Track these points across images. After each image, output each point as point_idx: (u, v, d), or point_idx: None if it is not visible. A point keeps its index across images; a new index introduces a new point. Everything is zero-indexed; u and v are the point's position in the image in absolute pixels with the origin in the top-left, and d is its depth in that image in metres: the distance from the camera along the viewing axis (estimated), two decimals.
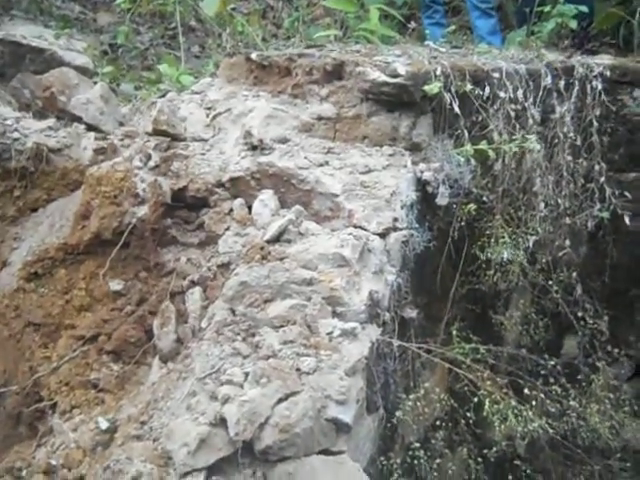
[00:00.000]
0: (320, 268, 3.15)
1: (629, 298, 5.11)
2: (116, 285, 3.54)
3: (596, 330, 4.54)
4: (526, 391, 3.42)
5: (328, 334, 2.99)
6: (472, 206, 3.60)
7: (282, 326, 3.02)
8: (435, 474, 3.42)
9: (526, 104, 4.18)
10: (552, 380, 3.71)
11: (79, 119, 4.22)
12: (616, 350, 4.94)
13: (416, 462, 3.45)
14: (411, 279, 3.57)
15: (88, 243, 3.66)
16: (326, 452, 2.76)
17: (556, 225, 4.44)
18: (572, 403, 3.55)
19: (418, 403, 3.49)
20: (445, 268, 3.78)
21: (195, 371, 2.90)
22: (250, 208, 3.62)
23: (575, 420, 3.59)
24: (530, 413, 3.16)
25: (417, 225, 3.55)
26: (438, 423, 3.89)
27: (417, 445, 3.43)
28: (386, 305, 3.29)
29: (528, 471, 4.01)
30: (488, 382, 3.28)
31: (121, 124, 4.30)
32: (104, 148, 3.98)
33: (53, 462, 2.95)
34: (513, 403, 3.18)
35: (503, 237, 3.64)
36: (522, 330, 4.15)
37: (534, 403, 3.31)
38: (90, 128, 4.19)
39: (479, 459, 4.02)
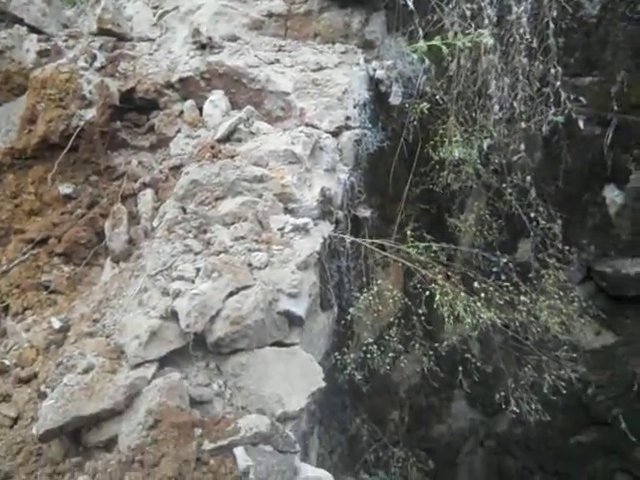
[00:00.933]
0: (271, 165, 3.12)
1: (582, 203, 5.19)
2: (66, 189, 3.47)
3: (549, 233, 4.60)
4: (476, 284, 3.48)
5: (280, 230, 2.99)
6: (425, 105, 3.57)
7: (233, 223, 3.01)
8: (388, 368, 3.50)
9: (482, 4, 4.11)
10: (504, 277, 3.78)
11: (20, 21, 4.04)
12: (569, 253, 5.06)
13: (369, 357, 3.52)
14: (365, 179, 3.57)
15: (36, 147, 3.57)
16: (279, 344, 2.79)
17: (511, 129, 4.44)
18: (522, 298, 3.63)
19: (372, 301, 3.54)
20: (399, 169, 3.78)
21: (147, 269, 2.88)
22: (201, 110, 3.55)
23: (525, 315, 3.68)
24: (479, 304, 3.22)
25: (370, 125, 3.52)
26: (392, 320, 3.96)
27: (371, 341, 3.49)
28: (339, 203, 3.29)
29: (478, 364, 4.13)
30: (439, 276, 3.32)
31: (65, 26, 4.13)
32: (48, 50, 3.83)
33: (7, 362, 2.95)
34: (463, 294, 3.24)
35: (455, 136, 3.63)
36: (477, 232, 4.19)
37: (483, 295, 3.37)
38: (32, 30, 4.02)
39: (432, 355, 4.14)
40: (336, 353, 3.32)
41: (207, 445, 2.43)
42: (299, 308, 2.82)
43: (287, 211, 3.06)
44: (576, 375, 5.36)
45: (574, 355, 4.13)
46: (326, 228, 3.13)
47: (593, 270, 5.26)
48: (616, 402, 5.53)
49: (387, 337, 3.81)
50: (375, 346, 3.49)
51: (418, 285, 3.49)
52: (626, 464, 5.71)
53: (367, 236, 3.50)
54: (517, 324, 3.77)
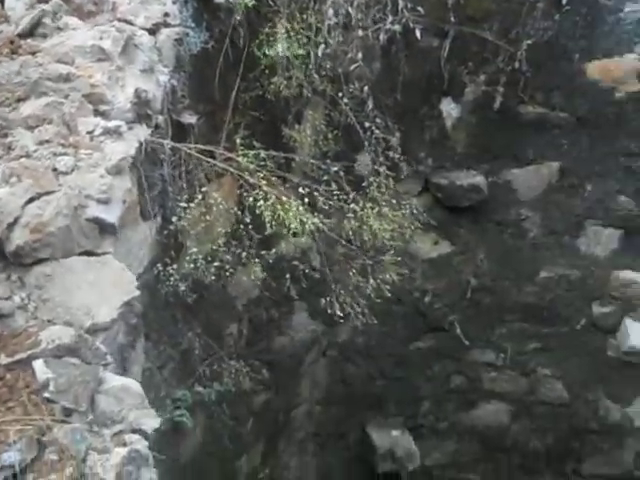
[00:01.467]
0: (78, 63, 2.88)
1: (420, 115, 5.24)
2: None
3: (387, 145, 4.62)
4: (300, 190, 3.43)
5: (89, 133, 2.78)
6: (252, 2, 3.40)
7: (37, 126, 2.77)
8: (214, 279, 3.43)
9: None
10: (335, 186, 3.75)
11: None
12: (406, 165, 5.13)
13: (198, 269, 3.42)
14: (189, 83, 3.39)
15: None
16: (89, 253, 2.63)
17: (347, 37, 4.37)
18: (353, 206, 3.63)
19: (201, 212, 3.42)
20: (226, 73, 3.61)
21: None
22: (3, 2, 3.20)
23: (355, 223, 3.69)
24: (301, 209, 3.18)
25: (193, 24, 3.32)
26: (226, 232, 3.87)
27: (196, 251, 3.39)
28: (158, 107, 3.11)
29: (317, 276, 4.15)
30: (263, 182, 3.24)
31: None
32: None
33: None
34: (285, 199, 3.19)
35: (283, 33, 3.48)
36: (312, 142, 4.13)
37: (307, 201, 3.33)
38: None
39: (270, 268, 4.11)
40: (159, 264, 3.20)
41: (3, 360, 2.27)
42: (110, 215, 2.66)
43: (97, 113, 2.84)
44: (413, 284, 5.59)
45: (399, 260, 4.19)
46: (142, 132, 2.95)
47: (430, 182, 5.38)
48: (451, 309, 5.79)
49: (219, 250, 3.72)
50: (205, 259, 3.39)
51: (245, 194, 3.39)
52: (460, 367, 6.04)
53: (193, 143, 3.35)
54: (350, 233, 3.77)
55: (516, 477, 6.45)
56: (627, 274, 5.75)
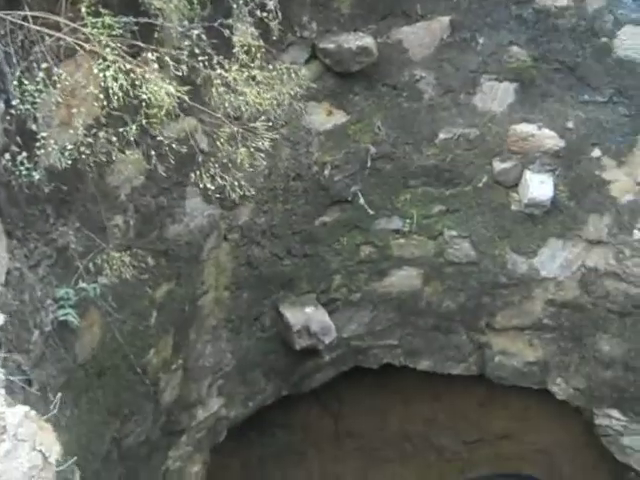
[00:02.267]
0: None
1: None
2: None
3: (263, 9, 4.29)
4: (149, 55, 3.13)
5: None
6: None
7: None
8: (69, 163, 3.18)
9: None
10: (198, 51, 3.46)
11: None
12: (289, 31, 4.85)
13: (60, 160, 3.15)
14: None
15: None
16: None
17: None
18: (219, 72, 3.36)
19: (57, 96, 3.11)
20: None
21: None
22: None
23: (223, 90, 3.43)
24: (149, 75, 2.91)
25: None
26: (96, 117, 3.58)
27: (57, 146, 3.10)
28: None
29: (212, 158, 3.91)
30: (107, 50, 2.94)
31: None
32: None
33: None
34: (129, 66, 2.91)
35: None
36: (175, 8, 3.77)
37: (156, 67, 3.06)
38: None
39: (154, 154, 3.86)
40: (7, 154, 2.91)
41: None
42: None
43: None
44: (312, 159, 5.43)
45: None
46: None
47: (317, 48, 5.11)
48: (353, 180, 5.68)
49: (84, 137, 3.43)
50: (65, 148, 3.11)
51: (100, 71, 3.08)
52: (368, 237, 6.01)
53: (28, 16, 2.99)
54: (217, 101, 3.52)
55: (433, 338, 6.61)
56: (524, 127, 5.72)
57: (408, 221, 5.99)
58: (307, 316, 5.83)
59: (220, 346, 5.60)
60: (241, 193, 3.84)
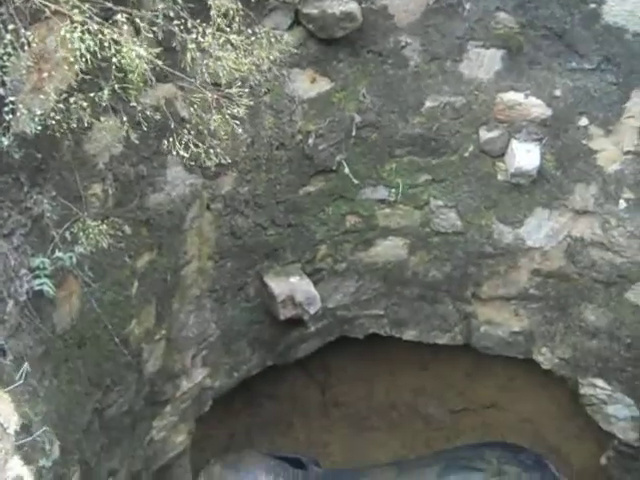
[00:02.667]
0: None
1: None
2: None
3: None
4: (119, 17, 3.04)
5: None
6: None
7: None
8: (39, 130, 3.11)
9: None
10: (172, 14, 3.37)
11: None
12: None
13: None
14: None
15: None
16: None
17: None
18: (193, 36, 3.28)
19: (27, 61, 3.03)
20: None
21: None
22: None
23: (197, 54, 3.35)
24: (117, 36, 2.83)
25: None
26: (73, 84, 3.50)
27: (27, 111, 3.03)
28: None
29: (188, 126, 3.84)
30: (74, 11, 2.85)
31: None
32: None
33: None
34: (97, 27, 2.83)
35: None
36: None
37: (126, 28, 2.97)
38: None
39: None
40: None
41: None
42: None
43: None
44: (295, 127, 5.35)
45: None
46: None
47: (300, 13, 5.00)
48: (338, 149, 5.61)
49: (57, 103, 3.35)
50: (37, 115, 3.03)
51: (70, 34, 2.99)
52: (354, 207, 5.96)
53: None
54: (191, 65, 3.44)
55: (418, 307, 6.60)
56: (511, 95, 5.64)
57: (394, 191, 5.95)
58: (292, 286, 5.80)
59: (204, 316, 5.57)
60: (217, 161, 3.78)
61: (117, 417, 4.77)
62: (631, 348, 6.05)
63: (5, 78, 2.98)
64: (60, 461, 3.83)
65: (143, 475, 5.26)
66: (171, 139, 3.69)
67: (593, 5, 5.25)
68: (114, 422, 4.75)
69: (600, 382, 6.41)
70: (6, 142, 2.96)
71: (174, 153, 3.65)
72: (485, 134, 5.77)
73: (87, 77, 3.48)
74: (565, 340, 6.41)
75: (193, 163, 4.25)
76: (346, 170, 5.70)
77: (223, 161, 3.93)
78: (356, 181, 5.76)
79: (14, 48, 2.97)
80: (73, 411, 4.13)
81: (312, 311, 5.85)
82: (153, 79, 3.26)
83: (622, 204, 5.81)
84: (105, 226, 3.63)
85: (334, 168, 5.68)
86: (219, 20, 3.31)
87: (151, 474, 5.36)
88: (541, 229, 6.10)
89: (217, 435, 7.47)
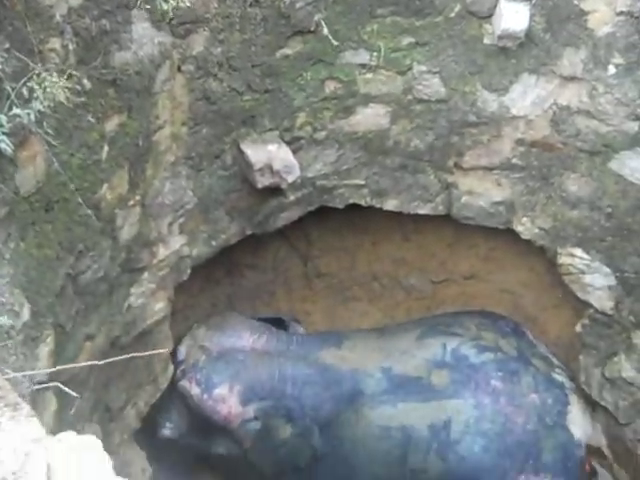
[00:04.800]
0: None
1: None
2: None
3: None
4: None
5: None
6: None
7: None
8: None
9: None
10: None
11: None
12: None
13: None
14: None
15: None
16: None
17: None
18: None
19: None
20: None
21: None
22: None
23: None
24: None
25: None
26: None
27: None
28: None
29: None
30: None
31: None
32: None
33: None
34: None
35: None
36: None
37: None
38: None
39: None
40: None
41: None
42: None
43: None
44: None
45: None
46: None
47: None
48: (316, 7, 5.33)
49: None
50: None
51: None
52: (333, 71, 5.74)
53: None
54: None
55: (400, 177, 6.51)
56: None
57: (375, 54, 5.71)
58: (269, 154, 5.67)
59: (180, 183, 5.47)
60: (174, 4, 3.54)
61: (92, 283, 4.75)
62: (612, 218, 6.03)
63: None
64: (31, 323, 3.84)
65: (122, 340, 5.31)
66: None
67: None
68: (89, 288, 4.74)
69: (579, 252, 6.42)
70: None
71: (140, 7, 3.41)
72: None
73: None
74: (546, 210, 6.37)
75: (161, 19, 3.99)
76: (325, 31, 5.44)
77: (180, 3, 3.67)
78: (336, 43, 5.51)
79: None
80: (44, 275, 4.09)
81: (290, 179, 5.75)
82: None
83: (611, 70, 5.61)
84: (64, 81, 3.44)
85: (312, 29, 5.42)
86: None
87: (131, 340, 5.42)
88: (527, 96, 5.92)
89: (199, 304, 7.55)
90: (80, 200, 4.33)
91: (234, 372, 6.10)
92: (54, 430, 3.99)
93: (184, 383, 6.01)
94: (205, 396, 5.97)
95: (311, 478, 6.29)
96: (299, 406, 6.17)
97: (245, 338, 6.33)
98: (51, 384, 3.58)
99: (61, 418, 4.22)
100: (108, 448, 5.44)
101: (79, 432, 4.71)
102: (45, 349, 3.98)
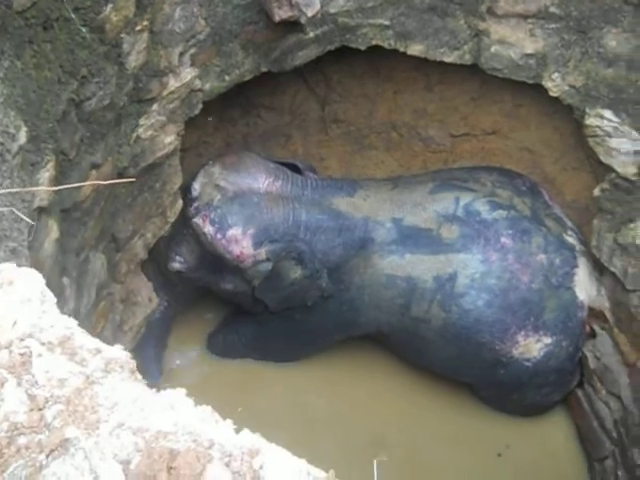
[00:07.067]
0: None
1: None
2: None
3: None
4: None
5: None
6: None
7: None
8: None
9: None
10: None
11: None
12: None
13: None
14: None
15: None
16: None
17: None
18: None
19: None
20: None
21: None
22: None
23: None
24: None
25: None
26: None
27: None
28: None
29: None
30: None
31: None
32: None
33: None
34: None
35: None
36: None
37: None
38: None
39: None
40: None
41: None
42: None
43: None
44: None
45: None
46: None
47: None
48: None
49: None
50: None
51: None
52: None
53: None
54: None
55: (427, 20, 6.11)
56: None
57: None
58: None
59: (192, 10, 5.16)
60: None
61: (98, 111, 4.61)
62: None
63: None
64: (29, 147, 3.74)
65: (130, 172, 5.24)
66: None
67: None
68: (95, 116, 4.60)
69: (608, 113, 6.11)
70: None
71: None
72: None
73: None
74: (579, 66, 6.01)
75: None
76: None
77: None
78: None
79: None
80: (44, 98, 3.95)
81: (310, 13, 5.40)
82: None
83: None
84: None
85: None
86: None
87: (139, 171, 5.34)
88: None
89: (213, 142, 7.43)
90: (84, 21, 4.10)
91: (249, 214, 6.05)
92: (55, 258, 4.01)
93: (197, 220, 5.99)
94: (218, 235, 5.96)
95: (317, 315, 6.43)
96: (310, 250, 6.18)
97: (260, 180, 6.22)
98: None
99: (63, 246, 4.23)
100: (114, 277, 5.54)
101: (83, 261, 4.76)
102: (45, 174, 3.90)
